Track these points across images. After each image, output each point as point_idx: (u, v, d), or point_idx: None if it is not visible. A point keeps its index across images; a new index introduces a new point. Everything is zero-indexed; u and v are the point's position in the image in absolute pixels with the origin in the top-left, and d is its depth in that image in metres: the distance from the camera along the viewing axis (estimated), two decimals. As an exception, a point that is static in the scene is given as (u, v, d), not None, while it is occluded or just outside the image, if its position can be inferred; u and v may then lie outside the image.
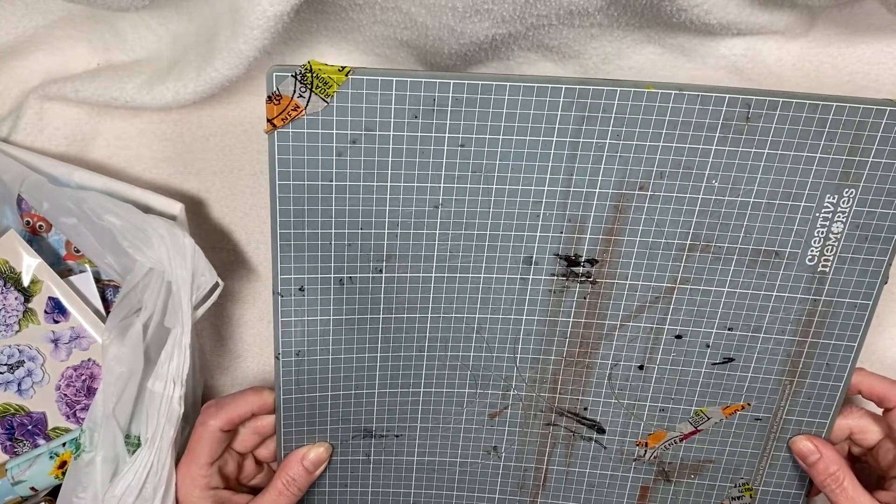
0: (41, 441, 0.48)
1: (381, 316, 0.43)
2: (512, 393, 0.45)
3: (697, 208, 0.40)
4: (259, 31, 0.42)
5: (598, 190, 0.40)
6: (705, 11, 0.43)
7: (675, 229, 0.41)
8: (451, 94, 0.38)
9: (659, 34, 0.47)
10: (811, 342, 0.43)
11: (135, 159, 0.51)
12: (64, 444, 0.47)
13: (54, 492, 0.48)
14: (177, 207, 0.47)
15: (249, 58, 0.44)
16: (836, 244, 0.41)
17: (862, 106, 0.38)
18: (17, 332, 0.47)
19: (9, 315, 0.47)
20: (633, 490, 0.47)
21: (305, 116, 0.37)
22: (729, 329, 0.43)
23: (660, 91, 0.38)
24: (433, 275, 0.42)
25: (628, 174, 0.40)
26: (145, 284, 0.44)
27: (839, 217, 0.40)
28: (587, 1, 0.43)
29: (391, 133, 0.38)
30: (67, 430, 0.48)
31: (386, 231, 0.41)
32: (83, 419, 0.47)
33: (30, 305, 0.47)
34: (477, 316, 0.43)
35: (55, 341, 0.47)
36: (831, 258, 0.41)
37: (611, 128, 0.39)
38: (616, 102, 0.38)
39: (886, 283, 0.41)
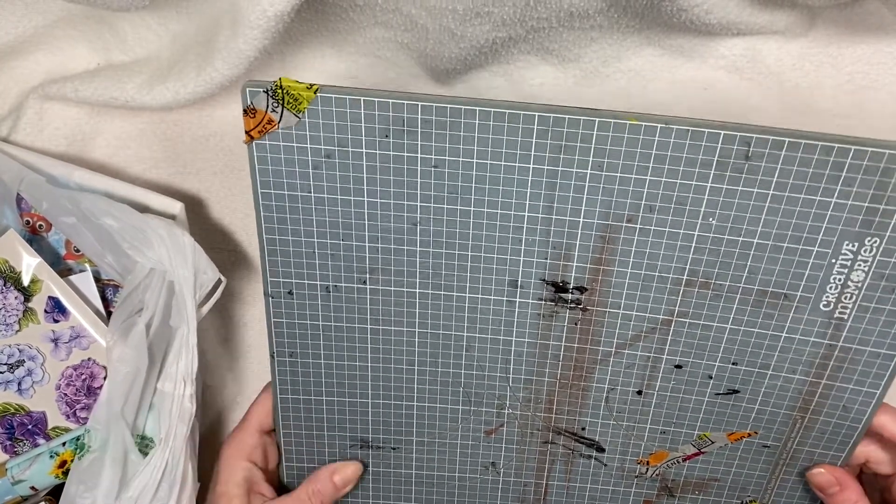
0: (41, 440, 0.48)
1: (368, 326, 0.42)
2: (507, 412, 0.45)
3: (694, 244, 0.38)
4: (259, 31, 0.42)
5: (581, 220, 0.38)
6: (706, 11, 0.43)
7: (670, 263, 0.39)
8: (419, 116, 0.37)
9: (658, 35, 0.47)
10: (826, 384, 0.41)
11: (135, 159, 0.51)
12: (64, 444, 0.47)
13: (54, 491, 0.48)
14: (177, 207, 0.47)
15: (249, 58, 0.44)
16: (856, 292, 0.38)
17: (888, 151, 0.34)
18: (17, 331, 0.47)
19: (9, 315, 0.47)
20: None
21: (280, 130, 0.37)
22: (733, 364, 0.41)
23: (644, 124, 0.35)
24: (417, 290, 0.41)
25: (614, 206, 0.38)
26: (146, 285, 0.44)
27: (860, 265, 0.37)
28: (587, 3, 0.43)
29: (363, 150, 0.38)
30: (67, 430, 0.48)
31: (367, 244, 0.40)
32: (83, 418, 0.47)
33: (30, 305, 0.47)
34: (465, 334, 0.42)
35: (55, 341, 0.47)
36: (850, 305, 0.38)
37: (591, 158, 0.37)
38: (595, 133, 0.36)
39: None
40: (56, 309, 0.47)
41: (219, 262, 0.45)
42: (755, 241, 0.38)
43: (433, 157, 0.38)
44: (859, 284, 0.38)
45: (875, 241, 0.37)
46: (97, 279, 0.49)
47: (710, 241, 0.38)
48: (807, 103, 0.48)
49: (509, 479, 0.47)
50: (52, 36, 0.50)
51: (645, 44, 0.47)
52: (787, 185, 0.36)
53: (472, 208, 0.39)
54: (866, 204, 0.36)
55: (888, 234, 0.37)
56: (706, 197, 0.37)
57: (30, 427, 0.48)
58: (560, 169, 0.37)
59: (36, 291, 0.47)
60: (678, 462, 0.45)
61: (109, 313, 0.48)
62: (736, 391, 0.42)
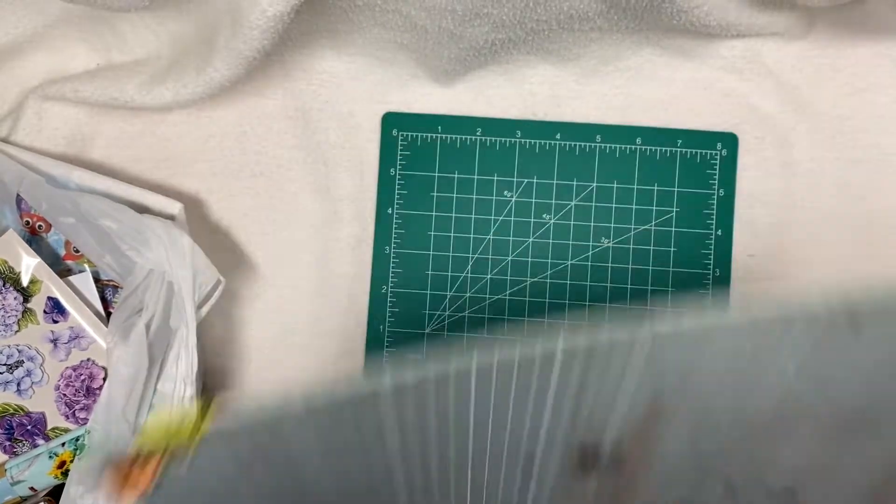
0: (40, 441, 0.48)
1: None
2: None
3: None
4: (259, 32, 0.42)
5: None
6: (706, 13, 0.43)
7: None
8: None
9: (658, 36, 0.47)
10: None
11: (135, 159, 0.51)
12: (63, 444, 0.47)
13: (53, 492, 0.48)
14: (176, 207, 0.47)
15: (249, 58, 0.44)
16: None
17: None
18: (17, 332, 0.47)
19: (8, 315, 0.47)
20: None
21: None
22: None
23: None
24: None
25: None
26: (146, 286, 0.44)
27: None
28: (587, 5, 0.43)
29: None
30: (67, 430, 0.48)
31: None
32: (82, 419, 0.47)
33: (29, 305, 0.47)
34: None
35: (54, 341, 0.47)
36: None
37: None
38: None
39: None
40: (55, 309, 0.47)
41: (218, 263, 0.45)
42: None
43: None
44: None
45: None
46: (97, 280, 0.49)
47: None
48: (806, 104, 0.48)
49: None
50: (52, 36, 0.50)
51: (644, 44, 0.47)
52: None
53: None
54: None
55: None
56: None
57: (29, 427, 0.48)
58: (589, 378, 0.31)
59: (35, 292, 0.47)
60: None
61: (109, 314, 0.48)
62: None
